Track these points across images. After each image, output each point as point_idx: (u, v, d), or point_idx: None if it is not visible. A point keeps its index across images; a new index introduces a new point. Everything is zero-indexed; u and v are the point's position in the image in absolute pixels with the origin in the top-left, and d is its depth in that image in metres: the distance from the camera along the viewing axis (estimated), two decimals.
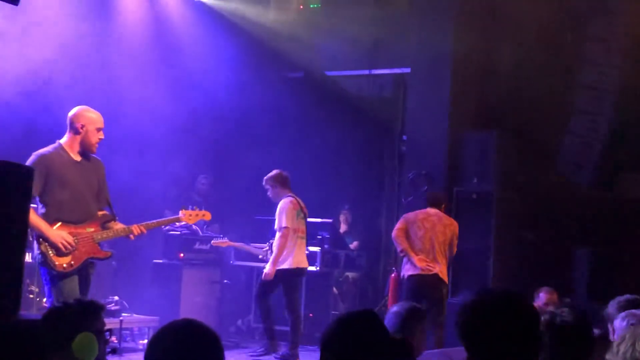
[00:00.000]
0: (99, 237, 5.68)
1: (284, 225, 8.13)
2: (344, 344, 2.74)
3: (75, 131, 5.68)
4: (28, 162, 5.42)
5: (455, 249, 8.21)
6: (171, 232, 9.13)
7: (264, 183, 8.43)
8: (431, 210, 8.17)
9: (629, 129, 9.48)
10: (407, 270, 8.02)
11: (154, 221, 6.18)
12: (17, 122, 8.01)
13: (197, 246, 9.23)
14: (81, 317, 3.23)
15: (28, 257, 6.70)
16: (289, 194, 8.34)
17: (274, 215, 8.33)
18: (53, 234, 5.46)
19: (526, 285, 7.53)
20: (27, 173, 4.58)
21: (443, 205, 8.30)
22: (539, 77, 9.54)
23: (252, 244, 9.20)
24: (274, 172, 8.43)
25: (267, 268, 8.16)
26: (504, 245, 9.01)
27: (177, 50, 10.36)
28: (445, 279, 8.10)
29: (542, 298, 7.09)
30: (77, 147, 5.69)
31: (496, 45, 9.82)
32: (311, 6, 11.57)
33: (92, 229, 5.66)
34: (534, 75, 9.57)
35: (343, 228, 11.11)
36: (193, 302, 8.97)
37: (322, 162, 11.25)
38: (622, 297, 4.39)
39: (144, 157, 9.28)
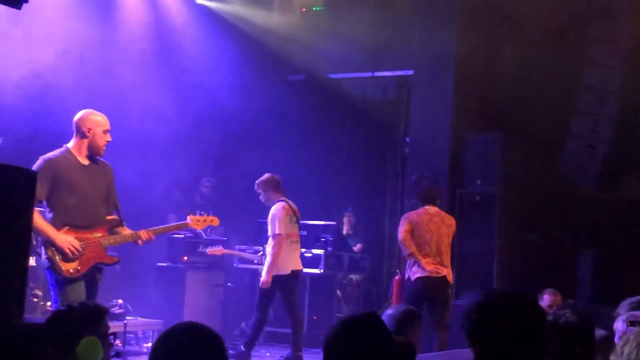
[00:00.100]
0: (107, 242, 5.63)
1: (277, 232, 8.01)
2: (348, 346, 2.74)
3: (82, 135, 5.64)
4: (35, 166, 5.39)
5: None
6: (175, 236, 9.12)
7: (255, 187, 8.30)
8: (431, 209, 8.09)
9: (632, 130, 9.46)
10: (414, 273, 7.92)
11: (162, 227, 6.14)
12: (21, 126, 8.01)
13: (200, 249, 9.22)
14: (85, 320, 3.24)
15: (32, 261, 6.73)
16: (281, 198, 8.23)
17: None
18: (60, 239, 5.41)
19: (530, 286, 7.49)
20: (30, 177, 4.57)
21: (438, 201, 8.26)
22: (542, 79, 9.53)
23: (247, 250, 9.17)
24: (266, 175, 8.31)
25: (263, 277, 8.05)
26: (508, 247, 8.98)
27: (180, 54, 10.37)
28: (451, 280, 8.09)
29: (545, 300, 7.08)
30: (85, 151, 5.65)
31: (499, 46, 9.83)
32: (314, 9, 11.58)
33: (100, 234, 5.61)
34: (537, 76, 9.57)
35: (346, 230, 11.12)
36: (197, 305, 8.97)
37: (325, 165, 11.25)
38: (633, 298, 4.33)
39: (147, 160, 9.27)
